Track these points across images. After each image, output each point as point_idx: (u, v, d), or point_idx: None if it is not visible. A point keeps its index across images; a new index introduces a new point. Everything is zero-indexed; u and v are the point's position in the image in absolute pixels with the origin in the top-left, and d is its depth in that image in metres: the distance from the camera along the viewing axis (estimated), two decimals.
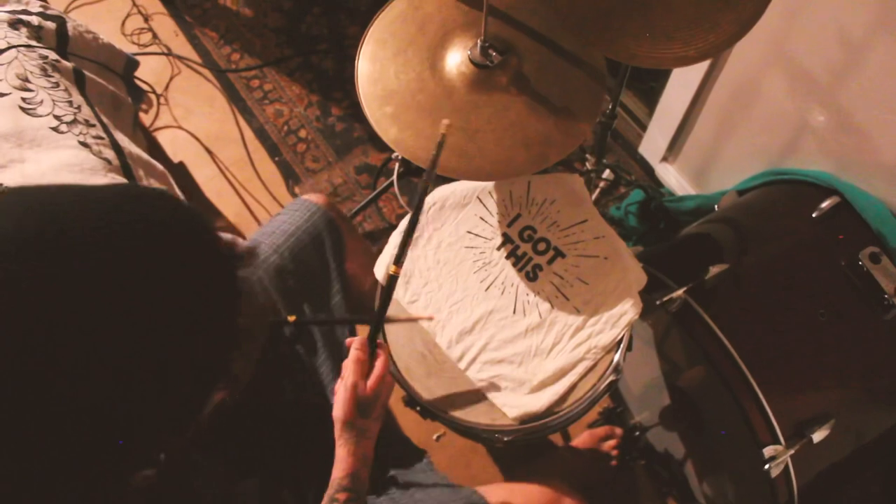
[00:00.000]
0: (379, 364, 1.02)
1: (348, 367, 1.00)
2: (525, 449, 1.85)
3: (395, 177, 2.19)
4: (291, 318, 1.18)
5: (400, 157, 2.20)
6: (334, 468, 0.98)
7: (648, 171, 2.15)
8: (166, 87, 2.44)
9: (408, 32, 1.24)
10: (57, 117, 1.47)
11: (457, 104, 1.18)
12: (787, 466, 1.22)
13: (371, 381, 1.00)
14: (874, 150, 1.39)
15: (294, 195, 2.22)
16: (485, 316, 1.23)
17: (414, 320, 1.24)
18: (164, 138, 2.32)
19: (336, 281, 1.35)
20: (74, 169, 1.41)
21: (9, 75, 1.47)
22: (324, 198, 1.42)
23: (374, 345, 1.05)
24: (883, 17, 1.22)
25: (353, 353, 1.01)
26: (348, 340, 1.04)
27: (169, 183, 1.69)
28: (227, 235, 1.17)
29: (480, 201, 1.33)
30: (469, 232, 1.31)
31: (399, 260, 1.06)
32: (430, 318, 1.24)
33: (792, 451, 1.18)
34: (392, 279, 1.07)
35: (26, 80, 1.49)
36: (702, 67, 1.71)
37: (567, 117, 1.18)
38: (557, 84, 1.21)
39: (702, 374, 1.38)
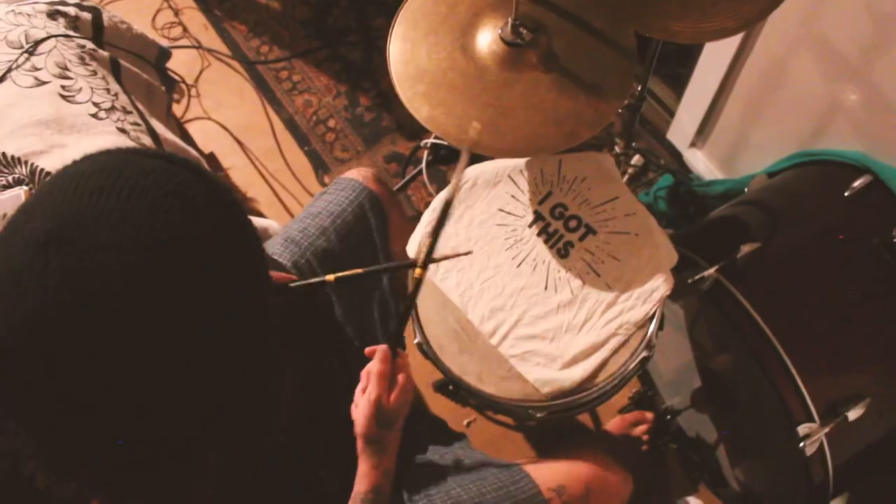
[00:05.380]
0: (401, 377, 0.99)
1: (372, 381, 0.97)
2: (557, 433, 1.85)
3: (423, 165, 2.20)
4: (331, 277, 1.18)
5: (429, 145, 2.22)
6: (357, 482, 0.97)
7: (677, 156, 2.14)
8: (196, 80, 2.47)
9: (439, 12, 1.25)
10: (95, 104, 1.50)
11: (488, 82, 1.19)
12: (821, 445, 1.21)
13: (394, 395, 0.97)
14: None
15: (324, 185, 2.25)
16: (516, 292, 1.24)
17: (452, 257, 1.24)
18: (194, 130, 2.36)
19: (383, 262, 1.36)
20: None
21: (48, 64, 1.51)
22: (369, 173, 1.42)
23: (396, 354, 1.01)
24: None
25: (377, 367, 0.98)
26: (368, 350, 1.02)
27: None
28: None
29: (512, 179, 1.34)
30: (500, 209, 1.32)
31: (426, 264, 1.03)
32: (469, 253, 1.24)
33: (827, 430, 1.18)
34: (417, 283, 1.04)
35: (65, 68, 1.52)
36: (730, 50, 1.70)
37: (597, 94, 1.19)
38: (588, 62, 1.22)
39: (734, 355, 1.38)
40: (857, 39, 1.37)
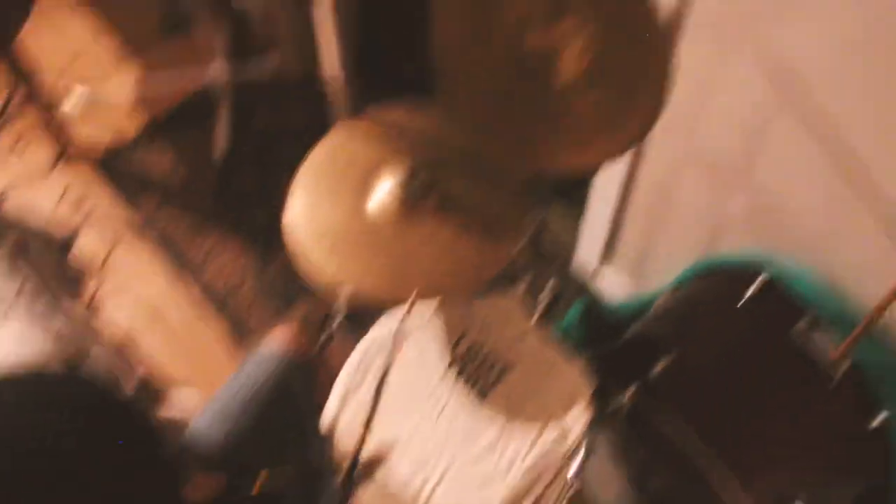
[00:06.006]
0: None
1: None
2: None
3: (337, 324, 2.18)
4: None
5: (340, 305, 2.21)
6: None
7: (585, 280, 2.19)
8: (107, 257, 2.45)
9: (337, 170, 1.29)
10: (2, 290, 1.48)
11: (390, 232, 1.21)
12: None
13: None
14: (793, 219, 1.47)
15: (244, 350, 2.21)
16: (440, 444, 1.23)
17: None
18: (109, 308, 2.31)
19: (312, 430, 1.33)
20: (24, 344, 1.41)
21: None
22: (289, 333, 1.44)
23: None
24: (771, 98, 1.31)
25: None
26: None
27: (121, 351, 1.69)
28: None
29: (423, 327, 1.35)
30: (418, 356, 1.32)
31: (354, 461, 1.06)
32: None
33: None
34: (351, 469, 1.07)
35: None
36: (620, 172, 1.78)
37: (497, 233, 1.22)
38: (486, 201, 1.25)
39: (665, 473, 1.38)
40: (733, 148, 1.48)
